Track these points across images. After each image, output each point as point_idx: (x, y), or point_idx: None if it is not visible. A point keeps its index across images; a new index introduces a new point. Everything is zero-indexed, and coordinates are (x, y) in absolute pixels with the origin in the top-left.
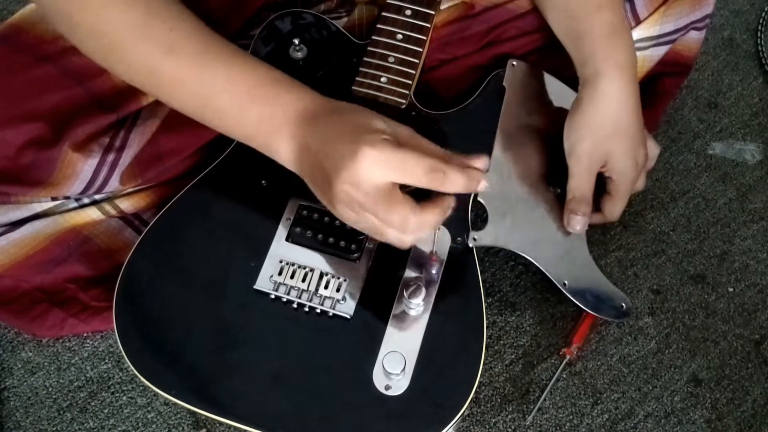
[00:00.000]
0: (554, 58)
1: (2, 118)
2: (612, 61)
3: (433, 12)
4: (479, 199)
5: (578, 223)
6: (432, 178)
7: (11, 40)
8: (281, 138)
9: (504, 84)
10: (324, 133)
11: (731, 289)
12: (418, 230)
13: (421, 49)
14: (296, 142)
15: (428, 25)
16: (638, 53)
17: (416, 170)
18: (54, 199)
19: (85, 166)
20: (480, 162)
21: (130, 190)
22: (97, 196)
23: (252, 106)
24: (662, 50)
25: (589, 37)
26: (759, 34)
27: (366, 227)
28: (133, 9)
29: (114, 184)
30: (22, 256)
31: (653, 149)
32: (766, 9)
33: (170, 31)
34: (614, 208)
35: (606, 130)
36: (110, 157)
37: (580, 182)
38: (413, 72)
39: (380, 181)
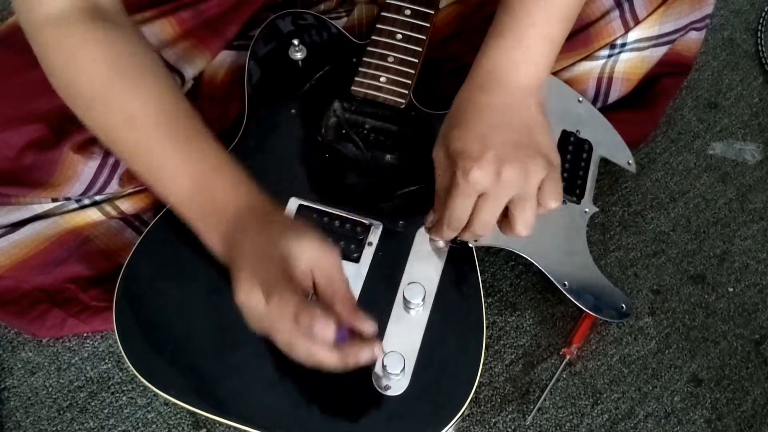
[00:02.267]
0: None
1: (3, 119)
2: (483, 56)
3: (432, 11)
4: None
5: (428, 222)
6: (302, 331)
7: (11, 41)
8: (215, 234)
9: None
10: (247, 242)
11: (731, 289)
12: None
13: (420, 49)
14: (226, 242)
15: (428, 25)
16: (637, 53)
17: (288, 340)
18: (54, 200)
19: (86, 167)
20: (367, 325)
21: (131, 190)
22: (97, 197)
23: (194, 196)
24: (662, 50)
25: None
26: (759, 34)
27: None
28: (99, 69)
29: (114, 185)
30: (23, 257)
31: (548, 199)
32: (766, 9)
33: (131, 100)
34: (464, 234)
35: (452, 114)
36: (111, 159)
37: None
38: (413, 72)
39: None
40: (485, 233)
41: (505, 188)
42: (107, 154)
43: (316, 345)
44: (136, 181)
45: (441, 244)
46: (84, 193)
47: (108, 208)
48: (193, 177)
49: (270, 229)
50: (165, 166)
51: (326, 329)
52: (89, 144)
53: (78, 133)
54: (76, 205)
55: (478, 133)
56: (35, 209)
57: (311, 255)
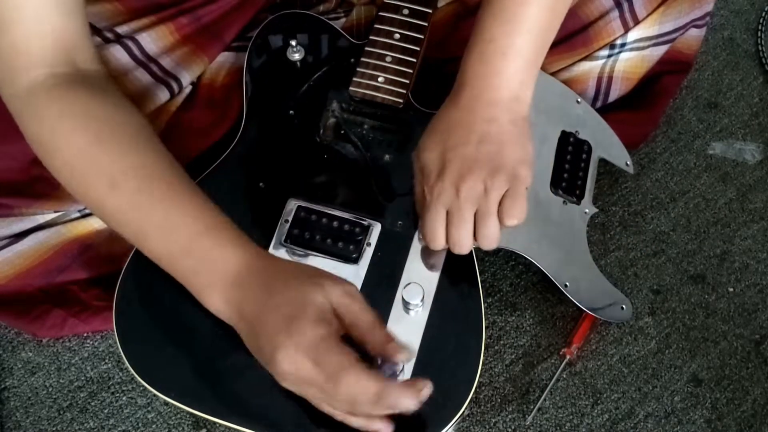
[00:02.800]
0: (553, 55)
1: (10, 132)
2: (461, 70)
3: (430, 11)
4: None
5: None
6: (375, 408)
7: None
8: (212, 297)
9: None
10: (258, 303)
11: (731, 289)
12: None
13: (418, 49)
14: (230, 307)
15: (426, 24)
16: (637, 53)
17: (355, 401)
18: (57, 210)
19: None
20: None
21: None
22: None
23: (184, 260)
24: (662, 49)
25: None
26: (759, 34)
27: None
28: (81, 135)
29: None
30: (26, 267)
31: (508, 216)
32: (766, 9)
33: (114, 164)
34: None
35: (431, 123)
36: None
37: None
38: (411, 71)
39: (318, 374)
40: (464, 251)
41: (466, 203)
42: None
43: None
44: None
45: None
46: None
47: None
48: (183, 239)
49: (285, 285)
50: (151, 232)
51: (412, 403)
52: None
53: None
54: (78, 214)
55: (441, 146)
56: (37, 219)
57: (337, 297)
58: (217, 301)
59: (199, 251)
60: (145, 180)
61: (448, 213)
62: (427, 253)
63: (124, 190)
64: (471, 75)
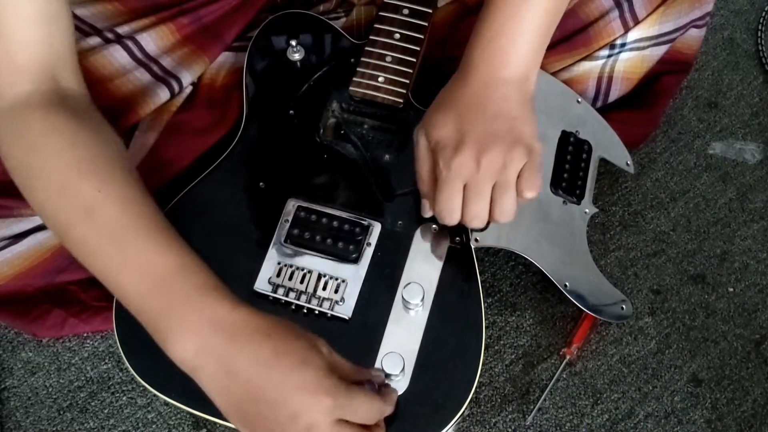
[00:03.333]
0: (553, 56)
1: None
2: (470, 49)
3: (430, 10)
4: None
5: (426, 212)
6: (377, 418)
7: None
8: (183, 341)
9: None
10: (257, 362)
11: (731, 289)
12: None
13: (418, 48)
14: (207, 357)
15: (426, 24)
16: (637, 53)
17: (368, 415)
18: None
19: None
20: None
21: None
22: None
23: (155, 298)
24: (662, 49)
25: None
26: (759, 34)
27: None
28: (61, 159)
29: None
30: (26, 268)
31: (526, 189)
32: (766, 9)
33: (93, 192)
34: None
35: (436, 101)
36: None
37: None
38: (411, 71)
39: (333, 422)
40: (480, 225)
41: (486, 175)
42: None
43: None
44: None
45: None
46: None
47: None
48: (152, 277)
49: (288, 345)
50: (124, 266)
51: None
52: None
53: None
54: None
55: (457, 122)
56: (37, 220)
57: (326, 349)
58: (189, 347)
59: (174, 290)
60: (123, 211)
61: (465, 187)
62: (427, 253)
63: (99, 220)
64: (479, 57)
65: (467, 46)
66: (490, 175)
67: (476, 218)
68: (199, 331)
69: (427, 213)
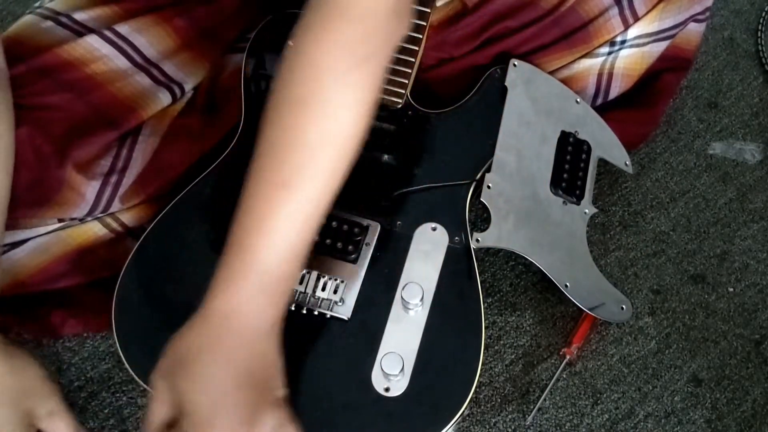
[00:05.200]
0: (553, 53)
1: None
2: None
3: (428, 10)
4: (482, 199)
5: None
6: None
7: (9, 53)
8: None
9: (506, 84)
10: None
11: (731, 289)
12: None
13: (417, 48)
14: None
15: (424, 24)
16: (637, 50)
17: None
18: (61, 220)
19: (89, 188)
20: None
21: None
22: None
23: None
24: (662, 46)
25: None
26: (759, 34)
27: None
28: None
29: (117, 204)
30: (26, 275)
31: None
32: (766, 9)
33: None
34: None
35: (173, 353)
36: (113, 179)
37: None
38: (410, 71)
39: None
40: None
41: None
42: (109, 173)
43: None
44: (137, 197)
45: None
46: (88, 214)
47: (109, 220)
48: None
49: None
50: None
51: None
52: (91, 164)
53: (80, 151)
54: (78, 222)
55: (212, 393)
56: (39, 231)
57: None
58: None
59: None
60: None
61: None
62: (426, 253)
63: None
64: (246, 307)
65: (212, 295)
66: None
67: None
68: None
69: None
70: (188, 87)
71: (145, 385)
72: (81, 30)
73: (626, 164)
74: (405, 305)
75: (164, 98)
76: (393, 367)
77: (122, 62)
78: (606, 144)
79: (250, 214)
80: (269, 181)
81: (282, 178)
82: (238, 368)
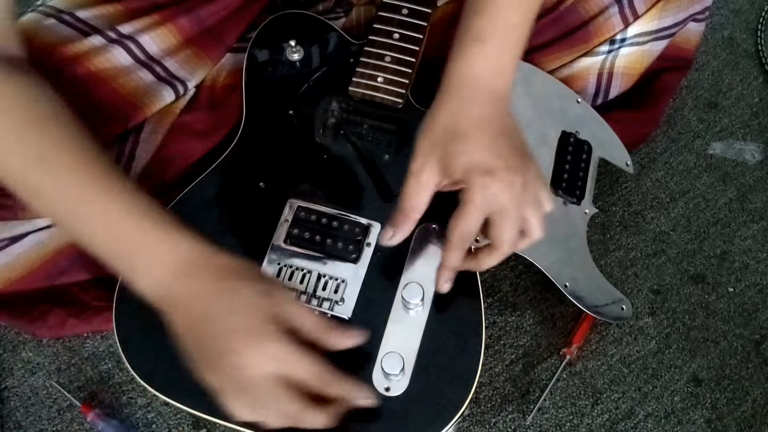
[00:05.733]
0: (553, 52)
1: None
2: (460, 71)
3: (429, 10)
4: None
5: (385, 235)
6: (318, 386)
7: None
8: (147, 279)
9: None
10: (211, 298)
11: (731, 289)
12: (295, 423)
13: (418, 48)
14: (166, 290)
15: (425, 24)
16: (637, 48)
17: (306, 376)
18: None
19: None
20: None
21: None
22: None
23: (119, 241)
24: (662, 44)
25: (458, 36)
26: (759, 34)
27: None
28: (9, 117)
29: None
30: (26, 270)
31: (545, 201)
32: (766, 9)
33: (43, 145)
34: (456, 223)
35: (438, 133)
36: None
37: (405, 189)
38: (410, 71)
39: (269, 373)
40: (510, 252)
41: (519, 199)
42: None
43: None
44: None
45: (387, 241)
46: None
47: None
48: (113, 222)
49: (240, 288)
50: (83, 213)
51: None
52: None
53: None
54: None
55: (483, 146)
56: (38, 223)
57: (277, 293)
58: (154, 282)
59: (136, 231)
60: (75, 162)
61: (496, 213)
62: (427, 253)
63: (53, 168)
64: (491, 68)
65: (458, 60)
66: (525, 196)
67: (512, 242)
68: (161, 268)
69: (395, 238)
70: (191, 84)
71: (145, 384)
72: (84, 28)
73: (627, 164)
74: (405, 305)
75: (167, 95)
76: (393, 367)
77: (125, 58)
78: (607, 144)
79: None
80: None
81: None
82: (506, 127)
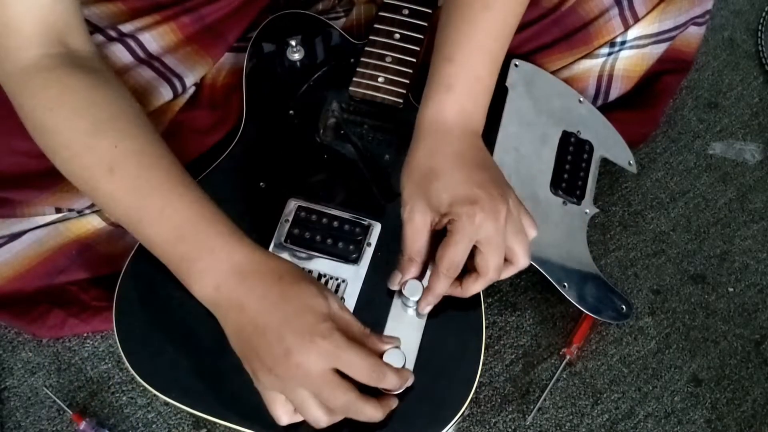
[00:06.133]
0: (554, 54)
1: (16, 128)
2: (432, 117)
3: (430, 11)
4: None
5: (394, 280)
6: (372, 378)
7: None
8: (203, 282)
9: (507, 84)
10: (265, 301)
11: (731, 289)
12: (349, 415)
13: (418, 48)
14: (222, 295)
15: (426, 24)
16: (637, 51)
17: (361, 369)
18: (59, 210)
19: None
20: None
21: None
22: None
23: (179, 244)
24: (662, 47)
25: (429, 83)
26: (759, 34)
27: (294, 399)
28: (81, 118)
29: None
30: (25, 267)
31: (529, 228)
32: (766, 9)
33: (114, 148)
34: (444, 252)
35: (419, 176)
36: None
37: (404, 236)
38: (411, 71)
39: (326, 369)
40: (495, 279)
41: (503, 227)
42: None
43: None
44: None
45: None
46: (90, 206)
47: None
48: (180, 226)
49: (296, 290)
50: (148, 217)
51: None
52: None
53: None
54: (76, 214)
55: (462, 180)
56: (37, 221)
57: (335, 308)
58: (208, 286)
59: (196, 237)
60: (144, 166)
61: (481, 242)
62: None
63: (122, 175)
64: (461, 114)
65: (429, 106)
66: (509, 224)
67: (497, 268)
68: (217, 273)
69: (402, 281)
70: (189, 81)
71: (145, 384)
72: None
73: (630, 163)
74: (405, 303)
75: (165, 93)
76: (395, 363)
77: (125, 56)
78: (609, 143)
79: (456, 33)
80: (472, 5)
81: (484, 1)
82: (484, 159)
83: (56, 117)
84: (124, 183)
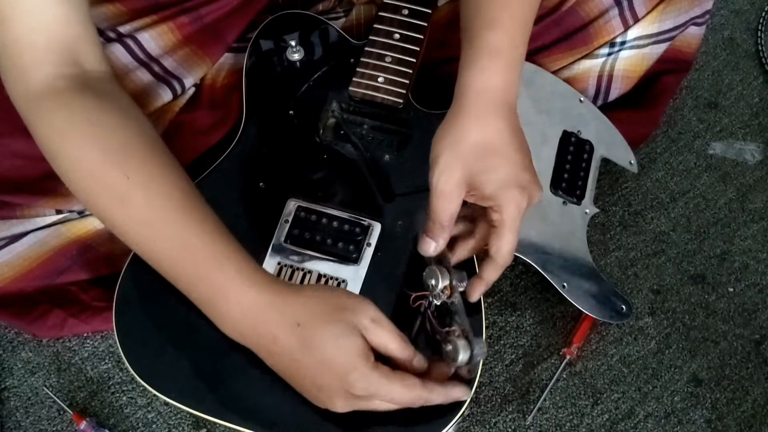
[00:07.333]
0: (554, 54)
1: (17, 131)
2: (479, 84)
3: (430, 11)
4: None
5: (429, 247)
6: (416, 404)
7: None
8: (226, 327)
9: None
10: (290, 352)
11: (731, 289)
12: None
13: (418, 49)
14: (247, 339)
15: (425, 24)
16: (637, 51)
17: (402, 399)
18: (59, 212)
19: None
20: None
21: None
22: None
23: (197, 285)
24: (662, 47)
25: (471, 48)
26: (759, 34)
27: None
28: (91, 146)
29: None
30: (26, 268)
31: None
32: (766, 9)
33: (126, 180)
34: (500, 244)
35: (467, 147)
36: None
37: (436, 201)
38: (410, 71)
39: (370, 404)
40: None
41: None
42: None
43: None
44: None
45: (431, 251)
46: None
47: None
48: (196, 266)
49: (318, 327)
50: (164, 252)
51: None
52: None
53: None
54: (77, 215)
55: (516, 162)
56: (38, 223)
57: (364, 326)
58: (231, 331)
59: (212, 280)
60: (156, 196)
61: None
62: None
63: (134, 206)
64: (508, 82)
65: (476, 72)
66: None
67: (512, 255)
68: (235, 315)
69: (439, 248)
70: (188, 83)
71: (145, 384)
72: None
73: (631, 163)
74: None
75: (164, 94)
76: None
77: (124, 56)
78: (610, 143)
79: (490, 1)
80: None
81: None
82: (524, 144)
83: (67, 144)
84: (135, 215)
